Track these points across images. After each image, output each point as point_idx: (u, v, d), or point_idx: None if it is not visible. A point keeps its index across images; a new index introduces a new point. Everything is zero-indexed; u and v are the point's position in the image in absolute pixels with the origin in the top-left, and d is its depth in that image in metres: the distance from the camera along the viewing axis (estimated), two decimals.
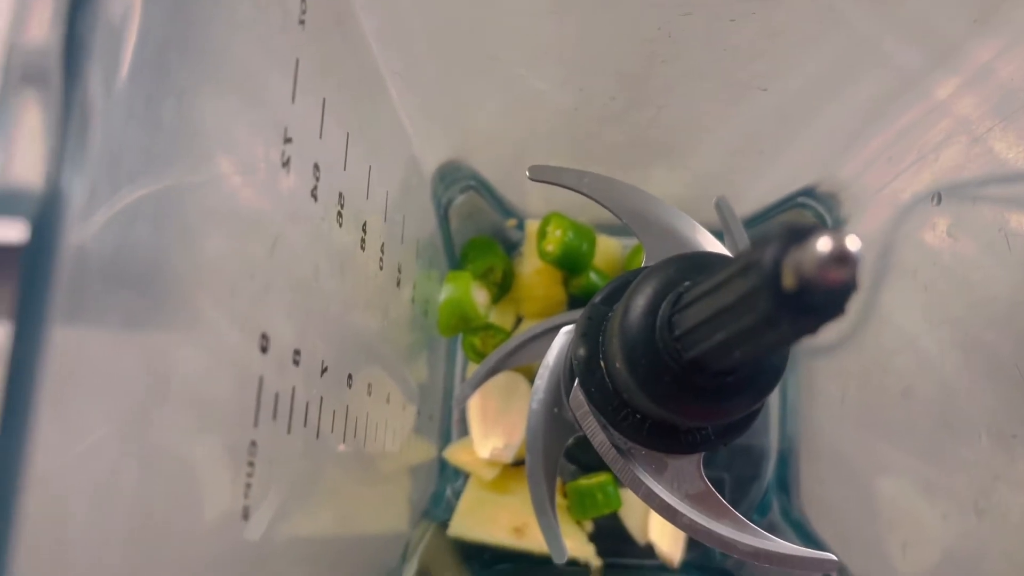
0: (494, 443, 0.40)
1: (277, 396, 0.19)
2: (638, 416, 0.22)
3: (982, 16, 0.24)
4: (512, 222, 0.44)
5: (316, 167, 0.20)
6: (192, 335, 0.15)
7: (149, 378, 0.14)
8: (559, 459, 0.31)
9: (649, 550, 0.41)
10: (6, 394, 0.10)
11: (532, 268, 0.42)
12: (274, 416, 0.18)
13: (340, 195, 0.23)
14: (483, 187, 0.41)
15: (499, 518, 0.40)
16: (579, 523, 0.41)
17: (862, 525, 0.34)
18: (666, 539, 0.40)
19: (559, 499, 0.41)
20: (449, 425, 0.43)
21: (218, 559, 0.17)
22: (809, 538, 0.38)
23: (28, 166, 0.11)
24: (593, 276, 0.42)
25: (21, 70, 0.11)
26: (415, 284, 0.34)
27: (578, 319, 0.24)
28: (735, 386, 0.19)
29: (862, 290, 0.13)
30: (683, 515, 0.24)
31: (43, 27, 0.11)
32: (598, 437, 0.24)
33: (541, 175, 0.28)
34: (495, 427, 0.40)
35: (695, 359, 0.18)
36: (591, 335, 0.23)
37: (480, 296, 0.41)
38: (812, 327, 0.14)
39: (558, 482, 0.33)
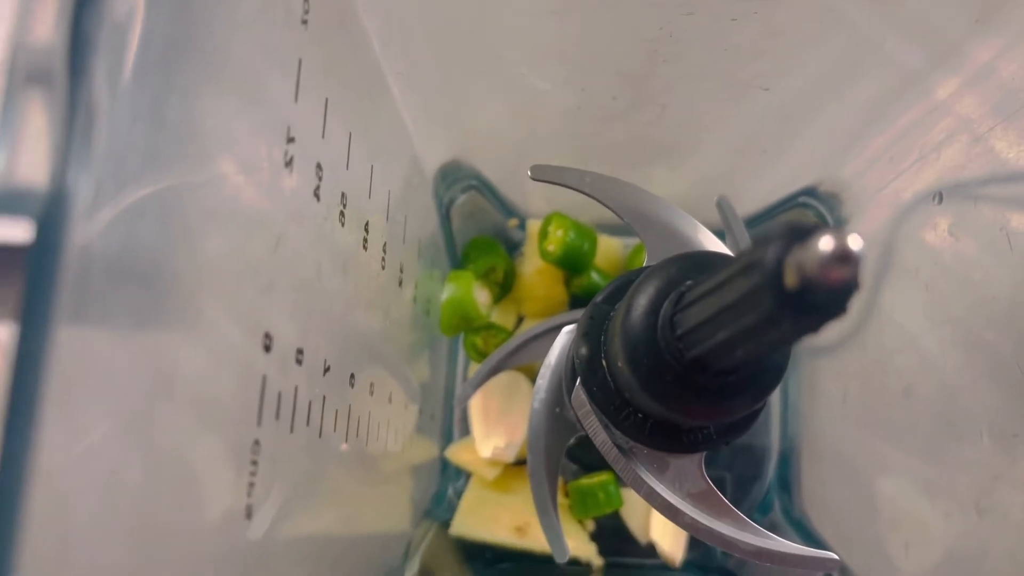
0: (496, 442, 0.40)
1: (280, 395, 0.19)
2: (640, 415, 0.22)
3: (983, 16, 0.24)
4: (514, 222, 0.44)
5: (319, 167, 0.21)
6: (196, 334, 0.15)
7: (153, 377, 0.14)
8: (561, 458, 0.31)
9: (651, 549, 0.41)
10: (11, 393, 0.10)
11: (534, 268, 0.42)
12: (277, 415, 0.19)
13: (343, 195, 0.23)
14: (485, 187, 0.41)
15: (501, 517, 0.40)
16: (581, 522, 0.41)
17: (863, 524, 0.34)
18: (668, 538, 0.40)
19: (561, 498, 0.41)
20: (451, 424, 0.43)
21: (221, 557, 0.17)
22: (810, 537, 0.38)
23: (33, 165, 0.11)
24: (594, 276, 0.42)
25: (26, 70, 0.11)
26: (417, 284, 0.34)
27: (580, 318, 0.24)
28: (737, 385, 0.19)
29: (863, 289, 0.13)
30: (685, 514, 0.24)
31: (48, 26, 0.11)
32: (600, 436, 0.24)
33: (543, 175, 0.28)
34: (497, 426, 0.40)
35: (697, 358, 0.18)
36: (593, 334, 0.23)
37: (482, 296, 0.41)
38: (814, 326, 0.14)
39: (560, 481, 0.33)
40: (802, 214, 0.39)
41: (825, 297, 0.13)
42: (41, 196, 0.11)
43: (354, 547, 0.29)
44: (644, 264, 0.26)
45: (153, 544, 0.14)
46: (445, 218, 0.41)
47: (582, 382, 0.23)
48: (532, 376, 0.41)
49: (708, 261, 0.21)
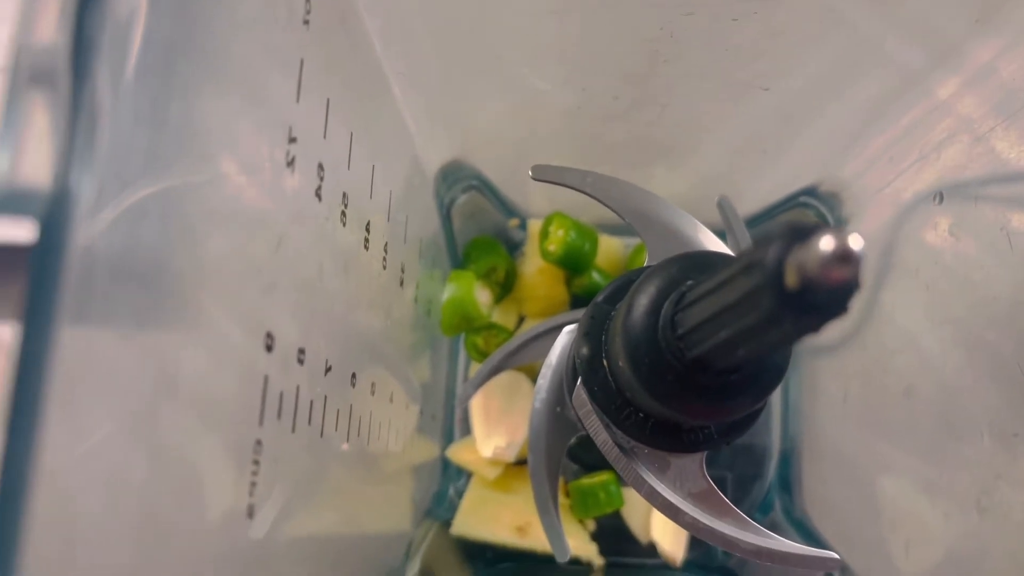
0: (497, 442, 0.40)
1: (282, 395, 0.19)
2: (641, 415, 0.22)
3: (983, 16, 0.24)
4: (515, 222, 0.44)
5: (320, 167, 0.21)
6: (198, 334, 0.15)
7: (156, 377, 0.14)
8: (562, 458, 0.31)
9: (651, 549, 0.41)
10: (15, 393, 0.10)
11: (534, 268, 0.42)
12: (279, 415, 0.19)
13: (344, 195, 0.23)
14: (486, 187, 0.41)
15: (502, 517, 0.40)
16: (581, 522, 0.41)
17: (864, 524, 0.34)
18: (668, 538, 0.40)
19: (561, 498, 0.41)
20: (452, 424, 0.43)
21: (223, 557, 0.17)
22: (811, 537, 0.39)
23: (36, 166, 0.11)
24: (595, 275, 0.42)
25: (29, 71, 0.11)
26: (418, 284, 0.34)
27: (581, 318, 0.24)
28: (738, 385, 0.19)
29: (864, 289, 0.13)
30: (686, 514, 0.24)
31: (51, 28, 0.11)
32: (601, 436, 0.24)
33: (544, 175, 0.28)
34: (498, 426, 0.40)
35: (698, 358, 0.18)
36: (594, 334, 0.23)
37: (483, 296, 0.41)
38: (815, 326, 0.14)
39: (561, 481, 0.33)
40: (802, 214, 0.39)
41: (826, 297, 0.13)
42: (44, 196, 0.11)
43: (355, 547, 0.29)
44: (645, 264, 0.26)
45: (156, 543, 0.14)
46: (446, 218, 0.41)
47: (583, 382, 0.23)
48: (533, 376, 0.41)
49: (709, 261, 0.21)
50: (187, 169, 0.14)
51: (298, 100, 0.19)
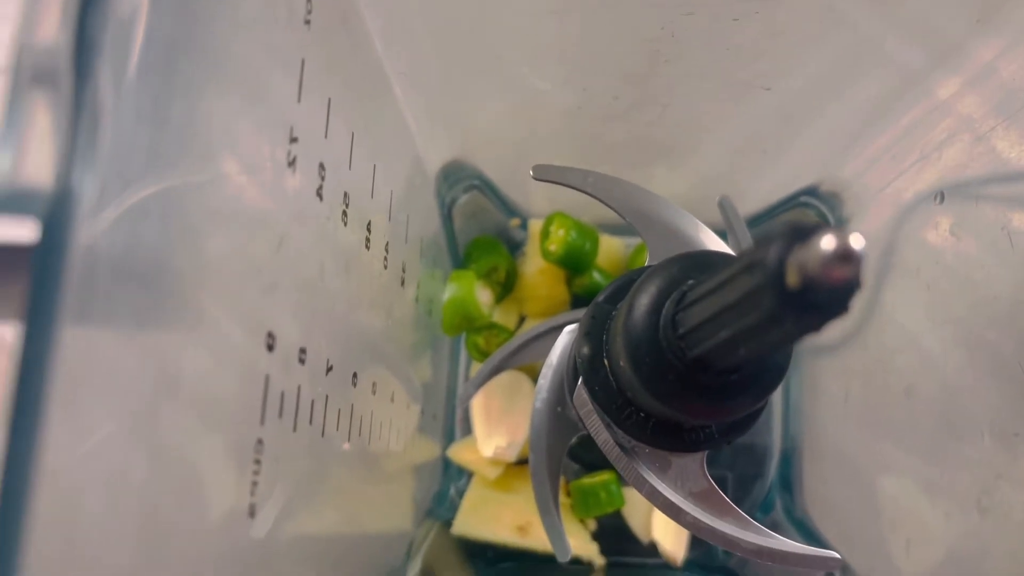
0: (497, 442, 0.40)
1: (283, 395, 0.19)
2: (642, 414, 0.22)
3: (984, 16, 0.24)
4: (516, 221, 0.44)
5: (322, 167, 0.21)
6: (199, 334, 0.15)
7: (157, 377, 0.14)
8: (563, 458, 0.31)
9: (652, 548, 0.41)
10: (16, 393, 0.10)
11: (535, 267, 0.42)
12: (280, 414, 0.19)
13: (345, 194, 0.23)
14: (487, 186, 0.41)
15: (503, 517, 0.40)
16: (582, 521, 0.41)
17: (865, 523, 0.34)
18: (669, 537, 0.40)
19: (562, 498, 0.41)
20: (453, 424, 0.43)
21: (224, 556, 0.17)
22: (812, 536, 0.39)
23: (39, 165, 0.11)
24: (596, 275, 0.42)
25: (31, 70, 0.11)
26: (419, 283, 0.34)
27: (581, 318, 0.24)
28: (739, 384, 0.19)
29: (865, 289, 0.13)
30: (687, 513, 0.24)
31: (53, 27, 0.11)
32: (602, 436, 0.24)
33: (545, 174, 0.28)
34: (499, 426, 0.40)
35: (699, 357, 0.18)
36: (595, 334, 0.23)
37: (484, 295, 0.41)
38: (816, 325, 0.14)
39: (561, 481, 0.33)
40: (803, 214, 0.39)
41: (827, 296, 0.13)
42: (46, 196, 0.11)
43: (356, 546, 0.29)
44: (646, 264, 0.26)
45: (157, 543, 0.14)
46: (447, 218, 0.41)
47: (584, 381, 0.23)
48: (534, 376, 0.41)
49: (710, 260, 0.21)
50: (189, 168, 0.14)
51: (299, 100, 0.19)
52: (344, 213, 0.23)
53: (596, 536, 0.41)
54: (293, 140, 0.18)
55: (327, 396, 0.22)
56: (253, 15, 0.17)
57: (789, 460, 0.42)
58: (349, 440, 0.25)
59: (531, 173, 0.28)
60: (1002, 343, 0.26)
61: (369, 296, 0.27)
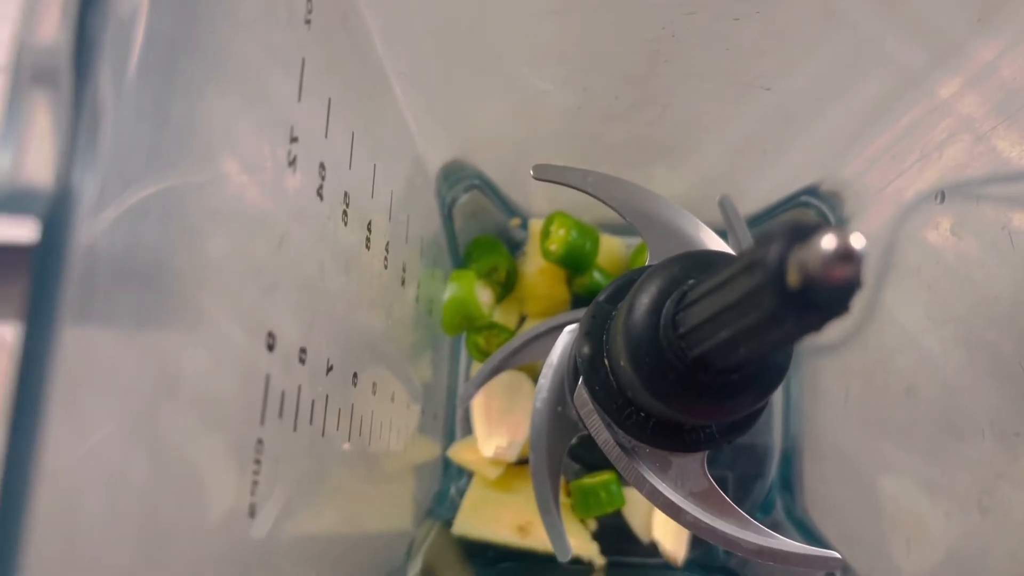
0: (498, 442, 0.40)
1: (283, 394, 0.19)
2: (642, 414, 0.22)
3: (984, 16, 0.24)
4: (516, 221, 0.44)
5: (322, 166, 0.21)
6: (200, 333, 0.15)
7: (157, 377, 0.14)
8: (563, 457, 0.31)
9: (653, 548, 0.41)
10: (17, 393, 0.10)
11: (536, 267, 0.42)
12: (280, 414, 0.19)
13: (345, 194, 0.23)
14: (487, 186, 0.41)
15: (503, 516, 0.40)
16: (583, 521, 0.41)
17: (865, 523, 0.34)
18: (670, 537, 0.40)
19: (563, 497, 0.41)
20: (453, 424, 0.43)
21: (224, 556, 0.17)
22: (812, 536, 0.38)
23: (38, 165, 0.11)
24: (597, 275, 0.42)
25: (31, 70, 0.11)
26: (419, 283, 0.34)
27: (582, 318, 0.24)
28: (739, 384, 0.19)
29: (865, 288, 0.13)
30: (687, 513, 0.24)
31: (53, 27, 0.11)
32: (602, 435, 0.24)
33: (545, 174, 0.28)
34: (499, 426, 0.40)
35: (699, 357, 0.18)
36: (595, 334, 0.23)
37: (484, 295, 0.41)
38: (817, 324, 0.14)
39: (562, 480, 0.33)
40: (804, 213, 0.39)
41: (827, 296, 0.13)
42: (46, 196, 0.11)
43: (356, 546, 0.29)
44: (646, 263, 0.26)
45: (157, 543, 0.14)
46: (447, 217, 0.41)
47: (584, 381, 0.23)
48: (534, 375, 0.41)
49: (710, 260, 0.21)
50: (189, 168, 0.14)
51: (299, 99, 0.19)
52: (344, 213, 0.23)
53: (596, 536, 0.41)
54: (293, 140, 0.18)
55: (327, 396, 0.22)
56: (253, 15, 0.17)
57: (789, 460, 0.42)
58: (349, 440, 0.25)
59: (531, 173, 0.28)
60: (1002, 343, 0.26)
61: (369, 296, 0.27)
